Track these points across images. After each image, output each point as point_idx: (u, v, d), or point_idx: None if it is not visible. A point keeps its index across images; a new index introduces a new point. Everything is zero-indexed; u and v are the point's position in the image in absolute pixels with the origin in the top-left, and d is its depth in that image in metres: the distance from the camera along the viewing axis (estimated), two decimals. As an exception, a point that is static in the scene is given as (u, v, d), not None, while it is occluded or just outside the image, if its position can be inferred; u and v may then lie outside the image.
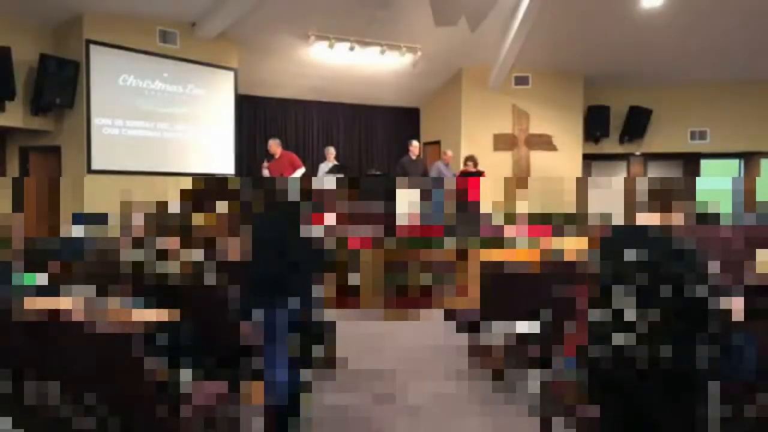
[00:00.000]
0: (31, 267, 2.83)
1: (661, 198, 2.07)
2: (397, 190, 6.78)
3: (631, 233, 2.01)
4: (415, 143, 9.22)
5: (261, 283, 2.83)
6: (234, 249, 3.11)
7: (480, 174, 8.71)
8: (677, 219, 2.03)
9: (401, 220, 6.42)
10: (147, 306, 2.61)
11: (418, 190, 7.13)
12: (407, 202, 6.81)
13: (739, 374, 2.03)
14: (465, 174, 8.78)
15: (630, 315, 1.89)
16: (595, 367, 1.94)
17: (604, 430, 1.99)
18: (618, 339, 1.90)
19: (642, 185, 2.13)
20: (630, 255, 1.92)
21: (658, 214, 2.04)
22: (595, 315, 1.94)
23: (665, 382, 1.90)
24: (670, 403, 1.91)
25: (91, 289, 2.64)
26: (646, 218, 2.07)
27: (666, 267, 1.91)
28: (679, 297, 1.88)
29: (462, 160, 9.28)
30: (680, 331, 1.88)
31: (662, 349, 1.86)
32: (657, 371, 1.88)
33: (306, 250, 2.91)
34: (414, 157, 9.02)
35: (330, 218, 5.07)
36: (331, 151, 9.43)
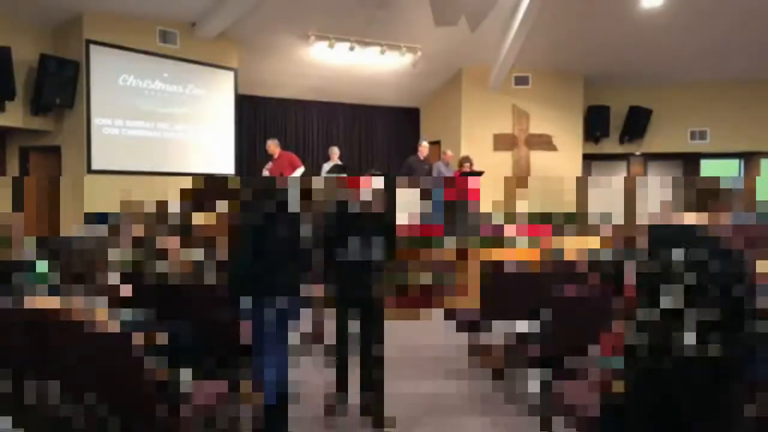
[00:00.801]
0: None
1: (703, 197, 2.09)
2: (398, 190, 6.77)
3: (674, 233, 2.02)
4: (425, 144, 9.24)
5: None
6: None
7: (479, 174, 8.71)
8: (725, 219, 2.05)
9: (401, 220, 6.41)
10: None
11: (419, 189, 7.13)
12: (407, 202, 6.81)
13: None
14: (464, 174, 8.79)
15: (676, 315, 1.91)
16: (640, 365, 1.96)
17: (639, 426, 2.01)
18: (664, 338, 1.91)
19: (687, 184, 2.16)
20: (677, 254, 1.93)
21: (705, 214, 2.06)
22: (643, 314, 1.95)
23: (709, 381, 1.92)
24: (710, 400, 1.93)
25: (90, 289, 2.64)
26: (688, 218, 2.08)
27: (710, 266, 1.93)
28: (725, 297, 1.90)
29: (459, 161, 9.30)
30: (724, 330, 1.89)
31: (708, 348, 1.88)
32: (702, 370, 1.90)
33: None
34: (422, 158, 9.03)
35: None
36: (335, 151, 9.46)
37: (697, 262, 1.93)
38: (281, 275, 2.91)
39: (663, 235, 2.02)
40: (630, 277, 2.00)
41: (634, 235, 2.10)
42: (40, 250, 2.94)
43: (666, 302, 1.93)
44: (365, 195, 3.42)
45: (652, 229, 2.06)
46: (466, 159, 9.02)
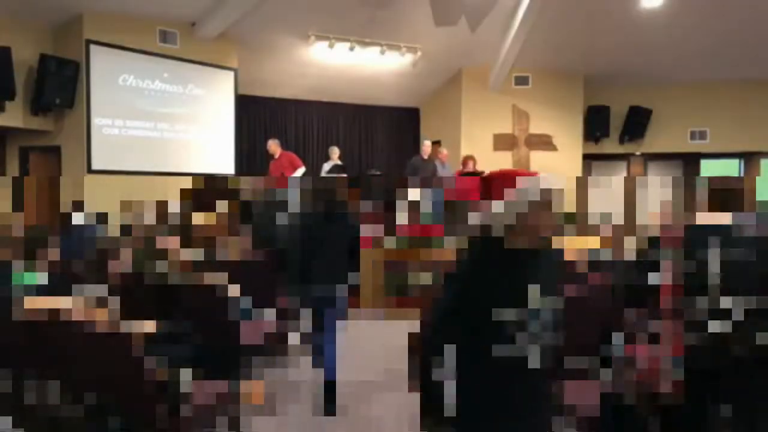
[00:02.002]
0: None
1: (722, 197, 2.09)
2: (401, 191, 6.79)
3: (710, 233, 2.01)
4: (427, 143, 9.24)
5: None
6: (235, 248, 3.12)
7: (480, 174, 8.70)
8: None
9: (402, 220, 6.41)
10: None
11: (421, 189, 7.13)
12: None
13: None
14: (465, 174, 8.79)
15: (723, 312, 1.90)
16: (695, 364, 1.95)
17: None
18: (715, 337, 1.91)
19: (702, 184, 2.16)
20: (713, 254, 1.93)
21: (728, 214, 2.05)
22: (692, 314, 1.94)
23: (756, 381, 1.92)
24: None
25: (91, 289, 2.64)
26: (709, 218, 2.08)
27: (749, 265, 1.93)
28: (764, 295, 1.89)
29: (461, 160, 9.30)
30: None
31: (752, 348, 1.88)
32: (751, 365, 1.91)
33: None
34: (426, 157, 9.03)
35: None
36: (335, 151, 9.46)
37: (735, 261, 1.92)
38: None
39: (699, 235, 2.01)
40: (667, 277, 1.99)
41: (658, 236, 2.08)
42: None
43: (703, 302, 1.92)
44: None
45: (689, 229, 2.05)
46: (470, 158, 9.02)
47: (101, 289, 2.67)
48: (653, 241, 2.11)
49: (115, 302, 2.52)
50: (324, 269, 3.45)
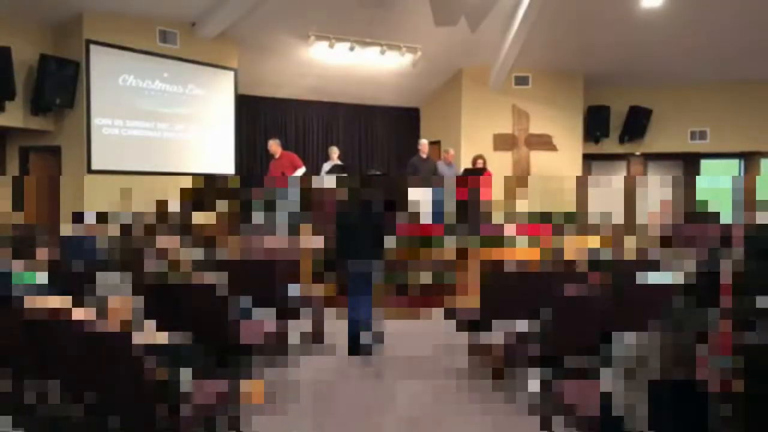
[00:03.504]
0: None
1: None
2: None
3: None
4: (423, 142, 9.24)
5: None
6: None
7: (481, 172, 8.69)
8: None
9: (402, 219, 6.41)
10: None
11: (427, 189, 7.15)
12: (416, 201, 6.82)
13: None
14: (467, 172, 8.80)
15: None
16: (751, 362, 1.93)
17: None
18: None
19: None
20: None
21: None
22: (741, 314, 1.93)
23: None
24: None
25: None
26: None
27: None
28: None
29: (469, 160, 9.31)
30: None
31: None
32: None
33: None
34: (424, 156, 9.02)
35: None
36: (335, 151, 9.46)
37: None
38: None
39: (761, 237, 1.99)
40: (726, 277, 1.97)
41: (729, 235, 2.07)
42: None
43: (763, 302, 1.90)
44: None
45: (750, 230, 2.04)
46: (479, 156, 9.03)
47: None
48: None
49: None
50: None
